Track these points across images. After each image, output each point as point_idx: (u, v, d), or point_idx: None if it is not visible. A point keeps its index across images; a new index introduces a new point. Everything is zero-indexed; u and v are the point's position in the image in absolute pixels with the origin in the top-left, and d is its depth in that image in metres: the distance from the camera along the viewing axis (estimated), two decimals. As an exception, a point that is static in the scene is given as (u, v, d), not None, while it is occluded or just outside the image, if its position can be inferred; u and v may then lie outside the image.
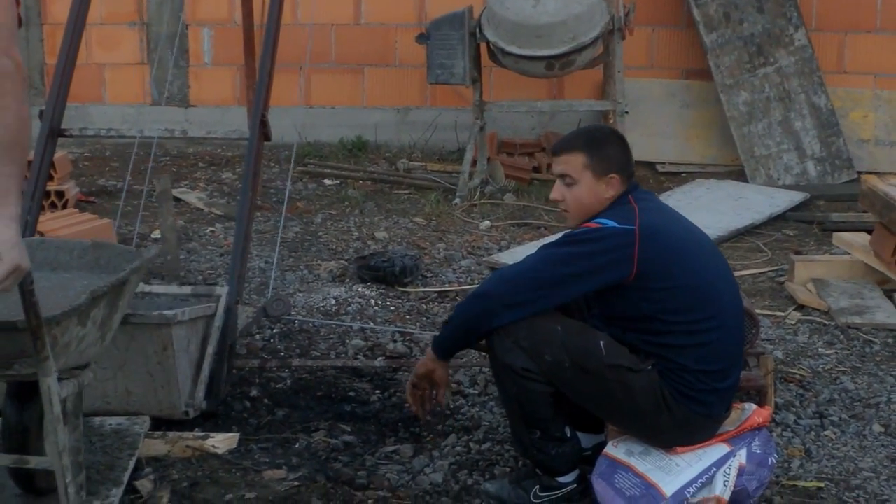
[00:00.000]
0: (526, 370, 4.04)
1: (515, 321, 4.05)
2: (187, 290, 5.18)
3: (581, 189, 4.18)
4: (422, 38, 9.01)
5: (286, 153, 9.77)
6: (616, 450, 4.16)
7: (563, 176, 4.22)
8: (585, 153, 4.19)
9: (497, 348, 4.09)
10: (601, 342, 4.06)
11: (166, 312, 4.56)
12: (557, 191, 4.25)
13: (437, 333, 4.40)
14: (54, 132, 5.37)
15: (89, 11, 5.82)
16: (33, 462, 3.87)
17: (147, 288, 5.23)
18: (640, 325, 4.09)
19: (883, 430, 4.91)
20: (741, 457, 4.07)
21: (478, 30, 8.85)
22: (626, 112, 9.15)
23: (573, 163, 4.19)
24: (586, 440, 4.38)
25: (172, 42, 10.44)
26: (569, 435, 4.23)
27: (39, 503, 4.03)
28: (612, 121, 9.17)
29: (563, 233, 4.26)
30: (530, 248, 6.88)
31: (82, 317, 3.68)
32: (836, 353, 5.79)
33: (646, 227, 4.05)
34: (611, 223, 4.07)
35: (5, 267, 2.92)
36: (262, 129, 5.38)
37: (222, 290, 5.04)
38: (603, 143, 4.24)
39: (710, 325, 4.06)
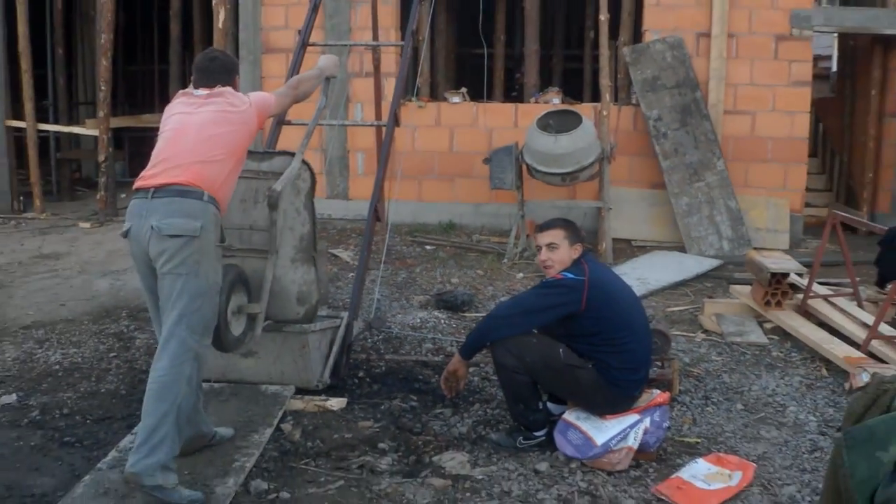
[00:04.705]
0: (514, 367, 4.09)
1: (508, 336, 4.11)
2: (324, 312, 5.27)
3: (561, 252, 4.22)
4: (487, 161, 9.10)
5: (405, 229, 9.91)
6: (570, 416, 4.20)
7: (550, 244, 4.22)
8: (564, 229, 4.24)
9: (496, 353, 4.15)
10: (560, 350, 4.11)
11: (305, 325, 4.62)
12: (545, 254, 4.23)
13: (463, 342, 4.44)
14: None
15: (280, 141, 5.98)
16: (245, 306, 4.11)
17: None
18: (586, 340, 4.12)
19: (743, 407, 4.87)
20: (646, 422, 4.09)
21: (520, 155, 8.92)
22: (611, 209, 9.13)
23: (558, 235, 4.22)
24: (556, 409, 4.41)
25: (340, 161, 10.65)
26: (541, 407, 4.26)
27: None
28: (603, 214, 9.16)
29: (542, 282, 4.30)
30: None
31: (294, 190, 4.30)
32: (722, 359, 5.74)
33: (592, 279, 4.10)
34: (571, 276, 4.12)
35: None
36: (375, 212, 5.47)
37: (345, 314, 5.14)
38: (571, 225, 4.30)
39: (627, 340, 4.09)
